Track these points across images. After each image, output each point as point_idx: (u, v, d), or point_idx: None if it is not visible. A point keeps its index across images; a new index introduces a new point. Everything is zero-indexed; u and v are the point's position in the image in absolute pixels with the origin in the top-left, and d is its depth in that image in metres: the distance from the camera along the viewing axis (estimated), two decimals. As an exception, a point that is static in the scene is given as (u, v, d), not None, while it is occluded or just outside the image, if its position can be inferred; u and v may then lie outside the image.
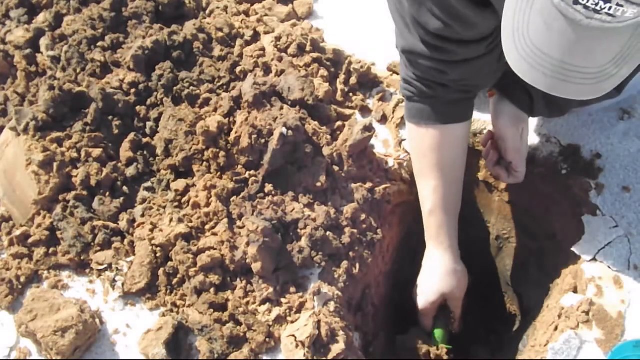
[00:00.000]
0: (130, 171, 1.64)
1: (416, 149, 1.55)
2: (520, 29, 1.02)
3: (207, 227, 1.54)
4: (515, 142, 1.54)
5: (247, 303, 1.45)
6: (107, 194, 1.62)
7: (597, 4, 0.90)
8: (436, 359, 1.60)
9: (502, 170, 1.59)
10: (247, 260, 1.46)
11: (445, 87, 1.43)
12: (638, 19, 0.91)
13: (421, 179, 1.56)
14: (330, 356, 1.35)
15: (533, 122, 1.74)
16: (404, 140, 1.76)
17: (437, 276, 1.58)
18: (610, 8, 0.89)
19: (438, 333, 1.64)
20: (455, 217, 1.58)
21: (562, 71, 1.01)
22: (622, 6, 0.89)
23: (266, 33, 1.96)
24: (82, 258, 1.56)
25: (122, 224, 1.59)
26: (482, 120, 1.78)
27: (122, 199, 1.62)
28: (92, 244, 1.57)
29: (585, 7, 0.90)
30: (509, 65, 1.09)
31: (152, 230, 1.55)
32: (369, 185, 1.63)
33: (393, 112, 1.81)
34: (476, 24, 1.27)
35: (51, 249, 1.58)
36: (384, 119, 1.83)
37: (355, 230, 1.56)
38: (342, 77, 1.87)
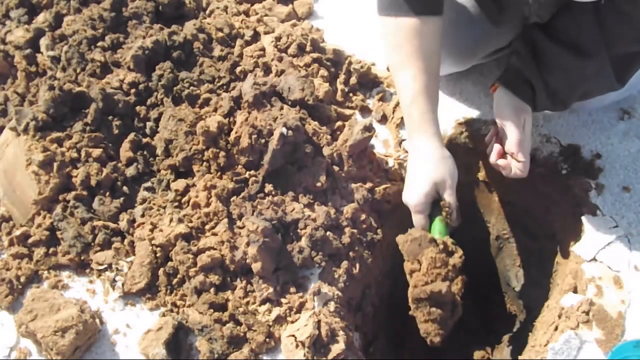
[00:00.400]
0: (130, 171, 1.64)
1: (392, 40, 1.51)
2: None
3: (207, 227, 1.54)
4: (517, 133, 1.51)
5: (247, 303, 1.45)
6: (107, 194, 1.62)
7: None
8: (444, 247, 1.42)
9: (504, 163, 1.54)
10: (247, 260, 1.46)
11: None
12: None
13: (399, 70, 1.51)
14: (330, 356, 1.35)
15: (533, 121, 1.74)
16: (404, 140, 1.76)
17: (426, 164, 1.47)
18: None
19: (438, 224, 1.46)
20: (436, 107, 1.50)
21: None
22: None
23: (266, 33, 1.96)
24: (82, 258, 1.56)
25: (122, 224, 1.59)
26: (482, 119, 1.78)
27: (122, 199, 1.62)
28: (92, 244, 1.57)
29: None
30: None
31: (152, 230, 1.55)
32: (369, 185, 1.63)
33: (393, 112, 1.81)
34: None
35: (51, 249, 1.58)
36: (384, 119, 1.83)
37: (355, 230, 1.56)
38: (342, 77, 1.87)
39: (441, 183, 1.46)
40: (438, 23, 1.48)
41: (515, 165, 1.52)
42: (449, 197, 1.47)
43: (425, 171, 1.46)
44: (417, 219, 1.48)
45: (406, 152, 1.74)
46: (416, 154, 1.50)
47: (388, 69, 1.93)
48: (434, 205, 1.48)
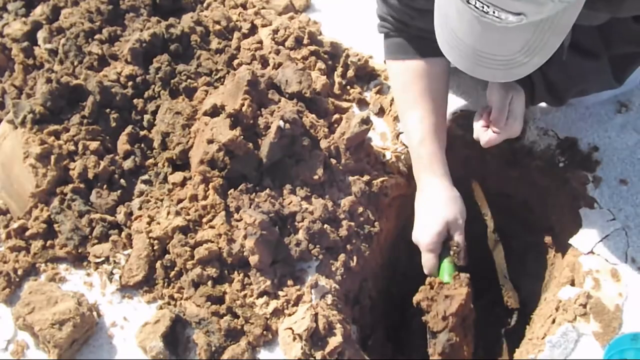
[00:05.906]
0: (127, 164, 1.64)
1: (400, 82, 1.55)
2: (443, 14, 1.11)
3: (204, 219, 1.54)
4: (500, 104, 1.47)
5: (245, 296, 1.45)
6: (105, 186, 1.62)
7: (482, 8, 0.98)
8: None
9: (482, 130, 1.51)
10: (245, 253, 1.46)
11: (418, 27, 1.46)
12: (522, 22, 0.97)
13: (407, 112, 1.55)
14: (328, 349, 1.35)
15: (531, 115, 1.74)
16: (401, 133, 1.76)
17: (437, 205, 1.50)
18: (494, 12, 0.97)
19: (447, 266, 1.48)
20: (443, 147, 1.53)
21: (475, 55, 1.09)
22: (500, 13, 0.96)
23: (264, 26, 1.95)
24: (79, 251, 1.56)
25: (120, 217, 1.59)
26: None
27: (119, 191, 1.62)
28: (90, 236, 1.57)
29: (475, 7, 0.98)
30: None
31: (149, 223, 1.55)
32: (366, 178, 1.63)
33: (390, 105, 1.81)
34: None
35: (48, 242, 1.58)
36: (381, 112, 1.83)
37: (352, 223, 1.56)
38: (339, 69, 1.87)
39: (453, 222, 1.49)
40: (445, 64, 1.50)
41: (488, 133, 1.50)
42: (458, 236, 1.50)
43: (436, 211, 1.49)
44: (428, 257, 1.51)
45: (403, 145, 1.74)
46: (426, 195, 1.53)
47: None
48: (444, 244, 1.51)
